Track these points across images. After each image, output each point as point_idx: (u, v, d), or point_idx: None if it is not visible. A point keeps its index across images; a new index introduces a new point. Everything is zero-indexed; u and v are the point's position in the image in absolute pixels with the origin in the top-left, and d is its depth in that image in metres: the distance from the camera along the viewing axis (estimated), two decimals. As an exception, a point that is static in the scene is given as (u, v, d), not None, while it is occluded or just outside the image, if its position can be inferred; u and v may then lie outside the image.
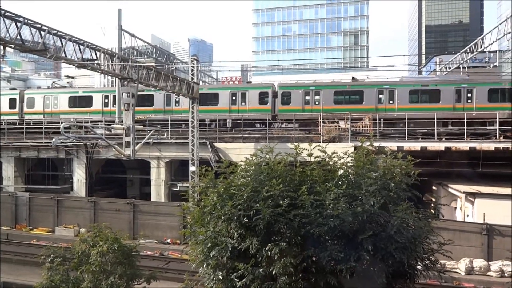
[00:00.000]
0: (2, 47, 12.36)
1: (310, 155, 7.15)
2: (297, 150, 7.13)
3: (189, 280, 7.17)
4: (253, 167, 7.00)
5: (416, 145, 22.93)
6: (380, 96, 27.11)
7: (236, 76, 73.63)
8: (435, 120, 24.00)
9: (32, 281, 10.31)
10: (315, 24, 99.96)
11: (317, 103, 27.91)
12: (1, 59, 11.66)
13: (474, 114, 24.95)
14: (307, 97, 28.14)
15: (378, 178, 6.50)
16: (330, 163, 7.20)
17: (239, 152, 23.53)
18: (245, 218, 6.01)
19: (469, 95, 26.15)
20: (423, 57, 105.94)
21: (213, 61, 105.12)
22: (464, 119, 23.68)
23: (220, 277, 6.04)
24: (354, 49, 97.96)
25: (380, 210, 6.09)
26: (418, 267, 6.68)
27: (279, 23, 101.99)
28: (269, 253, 5.72)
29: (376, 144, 7.89)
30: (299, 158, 7.19)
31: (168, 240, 22.67)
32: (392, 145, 21.62)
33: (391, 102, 26.93)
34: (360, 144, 7.62)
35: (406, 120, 24.35)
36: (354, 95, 28.15)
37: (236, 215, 6.03)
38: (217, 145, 26.02)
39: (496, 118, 23.52)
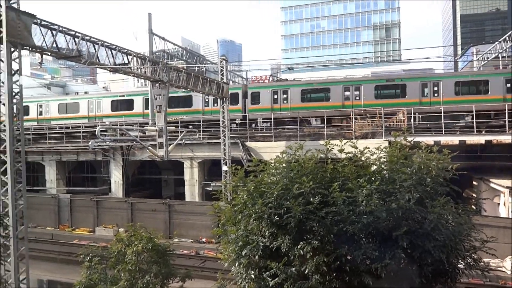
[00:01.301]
0: (40, 55, 12.92)
1: (341, 151, 6.98)
2: (328, 147, 6.98)
3: (222, 279, 7.20)
4: (283, 165, 6.92)
5: (454, 139, 22.00)
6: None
7: (266, 75, 73.51)
8: (474, 113, 23.01)
9: (75, 279, 10.69)
10: (344, 19, 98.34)
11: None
12: (40, 67, 12.13)
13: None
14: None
15: (413, 173, 6.26)
16: (362, 159, 7.00)
17: (271, 150, 23.46)
18: (276, 216, 5.94)
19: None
20: (459, 48, 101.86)
21: (242, 61, 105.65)
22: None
23: (253, 276, 6.00)
24: (386, 42, 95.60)
25: (416, 206, 5.85)
26: (459, 265, 6.38)
27: (308, 20, 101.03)
28: (301, 251, 5.62)
29: (410, 139, 7.62)
30: (330, 155, 7.04)
31: (204, 239, 22.97)
32: (428, 140, 20.87)
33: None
34: (393, 139, 7.37)
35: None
36: None
37: (267, 214, 5.97)
38: (249, 144, 26.07)
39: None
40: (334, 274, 5.79)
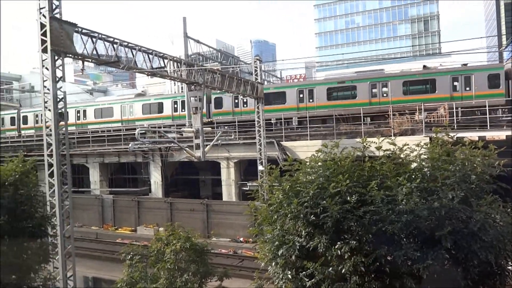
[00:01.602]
0: (81, 62, 13.49)
1: (378, 148, 6.77)
2: (365, 144, 6.80)
3: (259, 278, 7.20)
4: (319, 163, 6.81)
5: (500, 134, 20.86)
6: None
7: (300, 74, 73.07)
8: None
9: (119, 277, 11.07)
10: (380, 14, 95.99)
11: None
12: (82, 73, 12.67)
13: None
14: None
15: (457, 170, 5.96)
16: (402, 156, 6.77)
17: (307, 149, 23.25)
18: (312, 215, 5.84)
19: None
20: (504, 38, 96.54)
21: (276, 61, 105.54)
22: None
23: (289, 276, 5.95)
24: (424, 36, 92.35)
25: (460, 204, 5.58)
26: (509, 267, 6.03)
27: (342, 16, 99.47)
28: (338, 251, 5.50)
29: (453, 134, 7.29)
30: (367, 152, 6.87)
31: (241, 239, 23.13)
32: (472, 135, 19.92)
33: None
34: (434, 135, 7.08)
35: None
36: None
37: (303, 213, 5.89)
38: (284, 143, 25.98)
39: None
40: (373, 276, 5.63)
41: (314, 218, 5.83)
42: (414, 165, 6.60)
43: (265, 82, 40.11)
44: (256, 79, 24.03)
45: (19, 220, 8.55)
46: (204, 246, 10.47)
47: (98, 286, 18.12)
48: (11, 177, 8.75)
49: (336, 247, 5.58)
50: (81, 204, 28.25)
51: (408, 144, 6.92)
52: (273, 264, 6.24)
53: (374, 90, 27.12)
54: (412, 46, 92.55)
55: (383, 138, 7.12)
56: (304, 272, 5.78)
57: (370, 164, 6.54)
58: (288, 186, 6.36)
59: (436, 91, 25.56)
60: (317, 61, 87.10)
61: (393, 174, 6.26)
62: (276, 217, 6.42)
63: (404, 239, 5.64)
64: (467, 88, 25.01)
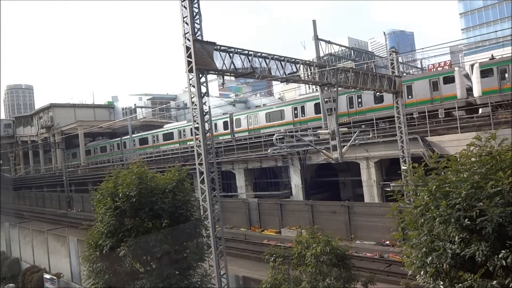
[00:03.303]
0: (222, 76, 14.69)
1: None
2: (532, 133, 5.66)
3: (406, 286, 6.61)
4: (472, 159, 5.93)
5: None
6: None
7: (445, 61, 65.99)
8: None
9: (265, 277, 11.56)
10: (547, -24, 79.98)
11: None
12: (222, 87, 13.76)
13: None
14: None
15: None
16: None
17: (458, 143, 20.82)
18: (466, 219, 5.10)
19: None
20: None
21: (415, 50, 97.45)
22: None
23: (442, 287, 5.30)
24: None
25: None
26: None
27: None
28: (503, 261, 4.67)
29: None
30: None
31: (387, 242, 21.91)
32: None
33: None
34: None
35: None
36: None
37: (454, 217, 5.18)
38: (429, 138, 23.74)
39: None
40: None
41: (469, 222, 5.08)
42: None
43: (404, 75, 37.45)
44: (393, 72, 22.58)
45: (178, 222, 9.68)
46: (345, 250, 10.18)
47: (248, 285, 19.25)
48: (170, 185, 9.97)
49: (499, 256, 4.75)
50: (230, 207, 30.66)
51: None
52: (422, 272, 5.66)
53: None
54: None
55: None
56: (460, 284, 5.08)
57: (541, 157, 5.42)
58: (434, 186, 5.70)
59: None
60: (464, 44, 77.42)
61: None
62: (422, 220, 5.81)
63: None
64: None
